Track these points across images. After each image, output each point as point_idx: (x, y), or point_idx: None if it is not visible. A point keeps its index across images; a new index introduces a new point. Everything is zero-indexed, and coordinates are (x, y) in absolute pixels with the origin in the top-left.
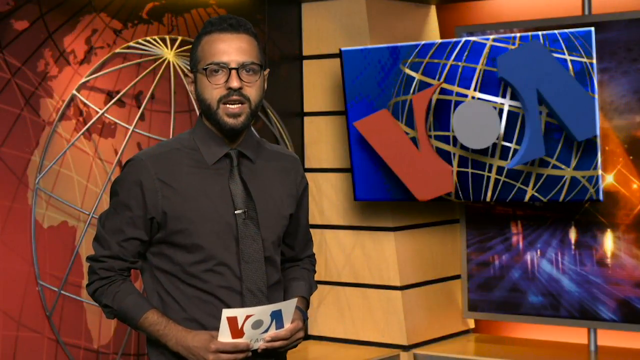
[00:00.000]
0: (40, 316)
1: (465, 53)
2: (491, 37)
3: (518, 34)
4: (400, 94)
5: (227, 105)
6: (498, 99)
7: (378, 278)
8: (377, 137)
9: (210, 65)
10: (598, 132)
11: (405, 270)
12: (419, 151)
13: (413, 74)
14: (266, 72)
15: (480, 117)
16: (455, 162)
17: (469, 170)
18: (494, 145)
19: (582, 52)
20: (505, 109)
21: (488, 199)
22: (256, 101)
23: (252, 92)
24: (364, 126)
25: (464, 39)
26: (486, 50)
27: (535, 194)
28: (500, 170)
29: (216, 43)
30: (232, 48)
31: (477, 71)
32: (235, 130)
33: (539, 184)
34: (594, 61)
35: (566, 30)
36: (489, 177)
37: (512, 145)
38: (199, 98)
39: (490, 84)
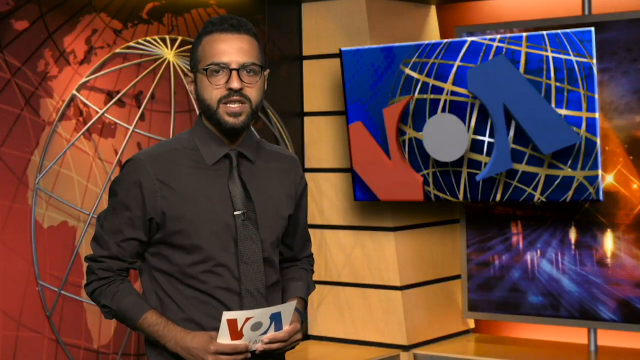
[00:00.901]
0: (40, 316)
1: (462, 53)
2: (497, 36)
3: (524, 34)
4: (402, 94)
5: (228, 105)
6: None
7: (378, 278)
8: (353, 146)
9: (211, 65)
10: (598, 133)
11: (405, 270)
12: (390, 160)
13: (414, 74)
14: (266, 72)
15: (450, 131)
16: (465, 163)
17: (466, 170)
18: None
19: (584, 52)
20: None
21: (498, 199)
22: (257, 101)
23: (253, 92)
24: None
25: (469, 39)
26: (492, 51)
27: (533, 192)
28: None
29: (217, 43)
30: (232, 48)
31: None
32: (235, 130)
33: (537, 184)
34: (594, 61)
35: (568, 30)
36: (497, 179)
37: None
38: (199, 98)
39: None
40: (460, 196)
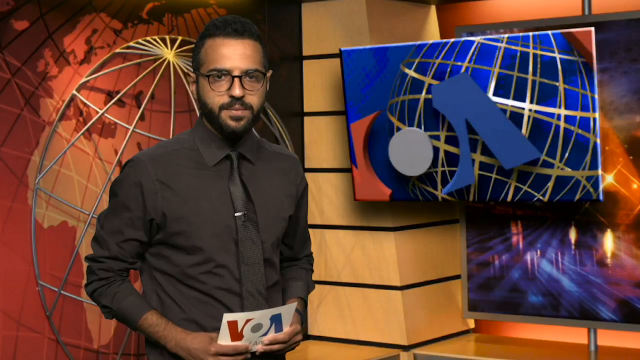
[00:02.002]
0: (40, 316)
1: (469, 54)
2: (500, 36)
3: (524, 34)
4: (404, 95)
5: (230, 110)
6: (510, 102)
7: (378, 278)
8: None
9: (213, 71)
10: (598, 133)
11: (405, 270)
12: (357, 169)
13: (415, 74)
14: (269, 73)
15: (414, 145)
16: (476, 165)
17: (478, 172)
18: None
19: (584, 52)
20: (526, 114)
21: (509, 199)
22: (258, 107)
23: (255, 99)
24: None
25: (474, 39)
26: (499, 52)
27: (539, 194)
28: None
29: (220, 48)
30: (235, 54)
31: (491, 73)
32: (236, 134)
33: (532, 183)
34: (594, 61)
35: (568, 30)
36: (499, 180)
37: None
38: (201, 101)
39: (505, 87)
40: (471, 197)
